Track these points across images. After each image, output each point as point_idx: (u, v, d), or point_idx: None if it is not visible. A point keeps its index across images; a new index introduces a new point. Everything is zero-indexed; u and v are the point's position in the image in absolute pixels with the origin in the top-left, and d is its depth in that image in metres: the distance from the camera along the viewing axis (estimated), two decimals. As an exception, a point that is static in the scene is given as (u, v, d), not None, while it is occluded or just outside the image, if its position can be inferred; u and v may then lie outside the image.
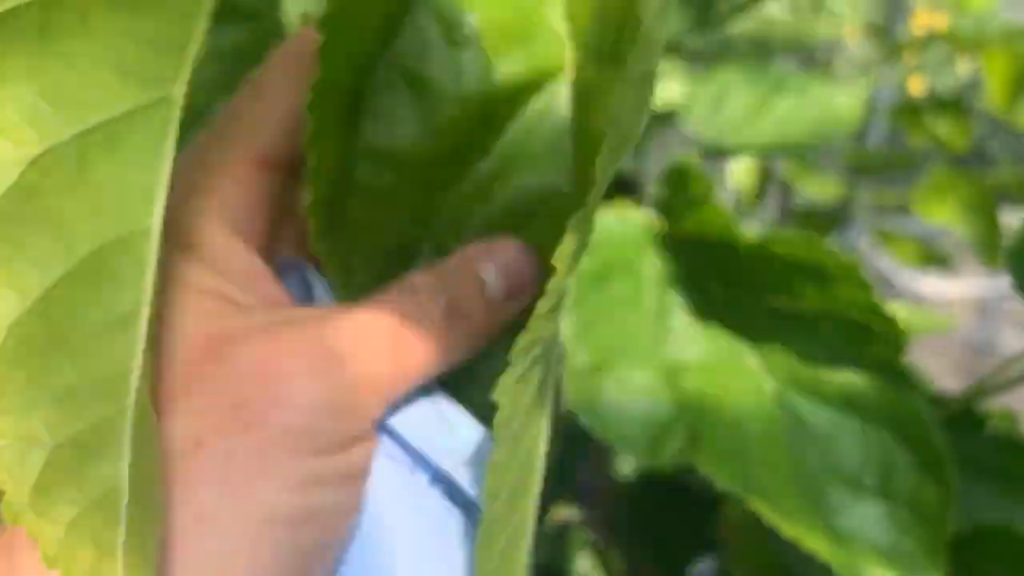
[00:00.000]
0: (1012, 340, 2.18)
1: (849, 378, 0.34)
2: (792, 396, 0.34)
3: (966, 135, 1.06)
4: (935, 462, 0.32)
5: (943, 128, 1.01)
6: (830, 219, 1.27)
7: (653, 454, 0.33)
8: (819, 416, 0.34)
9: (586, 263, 0.37)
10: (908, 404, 0.33)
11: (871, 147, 1.47)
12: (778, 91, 0.65)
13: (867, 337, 0.33)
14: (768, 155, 0.89)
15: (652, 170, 0.82)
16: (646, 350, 0.36)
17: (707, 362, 0.36)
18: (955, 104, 0.98)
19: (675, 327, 0.37)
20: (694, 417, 0.34)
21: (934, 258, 1.39)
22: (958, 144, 1.06)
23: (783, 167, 1.24)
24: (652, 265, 0.39)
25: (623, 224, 0.40)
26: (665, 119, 0.71)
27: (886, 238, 1.35)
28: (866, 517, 0.32)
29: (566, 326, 0.35)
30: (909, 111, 1.02)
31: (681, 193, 0.39)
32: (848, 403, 0.33)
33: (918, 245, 1.41)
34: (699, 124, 0.65)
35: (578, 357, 0.35)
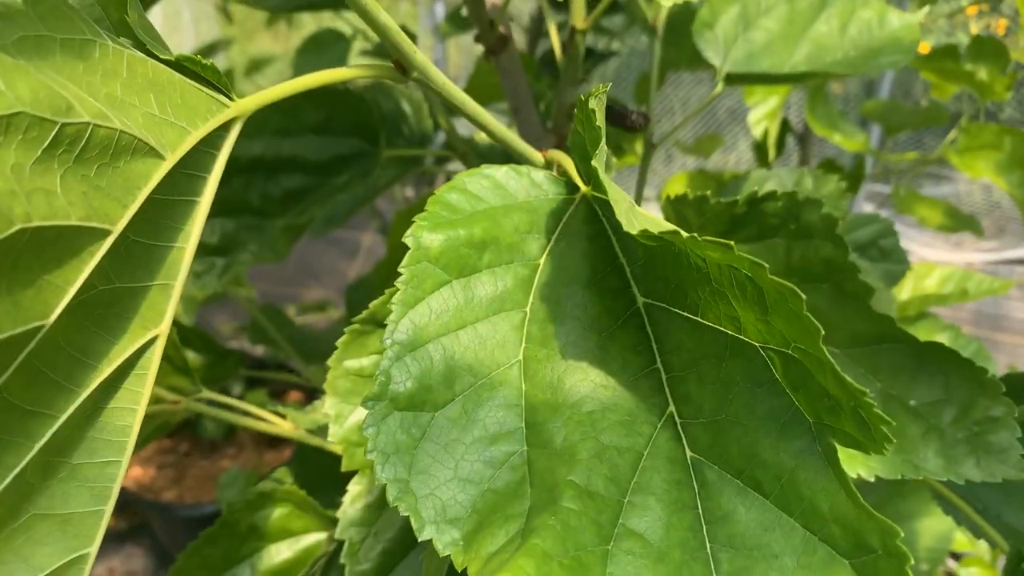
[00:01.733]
0: (1020, 310, 2.14)
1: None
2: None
3: (1009, 80, 0.97)
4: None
5: (983, 73, 0.92)
6: (853, 177, 1.18)
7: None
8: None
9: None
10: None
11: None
12: (820, 9, 0.54)
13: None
14: (805, 83, 0.78)
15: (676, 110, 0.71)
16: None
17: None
18: (998, 46, 0.88)
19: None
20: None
21: (962, 222, 1.30)
22: (999, 90, 0.97)
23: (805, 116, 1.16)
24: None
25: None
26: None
27: (911, 200, 1.27)
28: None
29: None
30: (945, 55, 0.92)
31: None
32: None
33: (946, 206, 1.32)
34: (720, 45, 0.54)
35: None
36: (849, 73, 0.51)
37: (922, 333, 0.97)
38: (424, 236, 0.28)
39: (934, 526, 0.97)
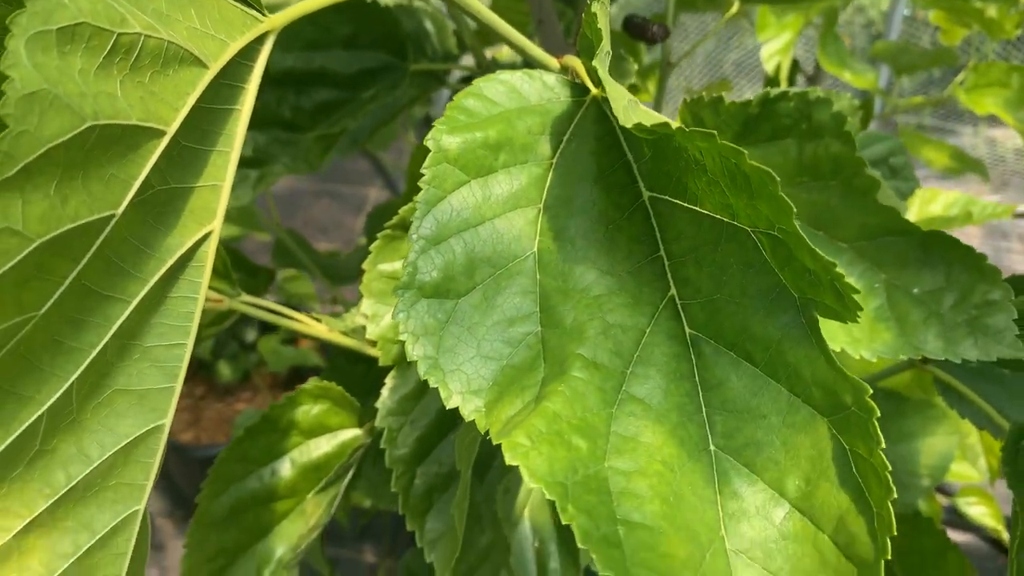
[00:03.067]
0: (1022, 263, 2.13)
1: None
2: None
3: (1019, 18, 0.96)
4: None
5: (992, 10, 0.91)
6: (862, 118, 1.17)
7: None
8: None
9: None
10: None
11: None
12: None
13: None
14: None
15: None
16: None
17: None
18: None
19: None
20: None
21: (968, 164, 1.30)
22: (1008, 28, 0.97)
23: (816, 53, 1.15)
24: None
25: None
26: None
27: (917, 141, 1.26)
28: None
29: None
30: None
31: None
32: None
33: (952, 149, 1.32)
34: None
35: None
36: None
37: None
38: (443, 139, 0.30)
39: (935, 445, 1.00)
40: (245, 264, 0.80)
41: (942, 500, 1.47)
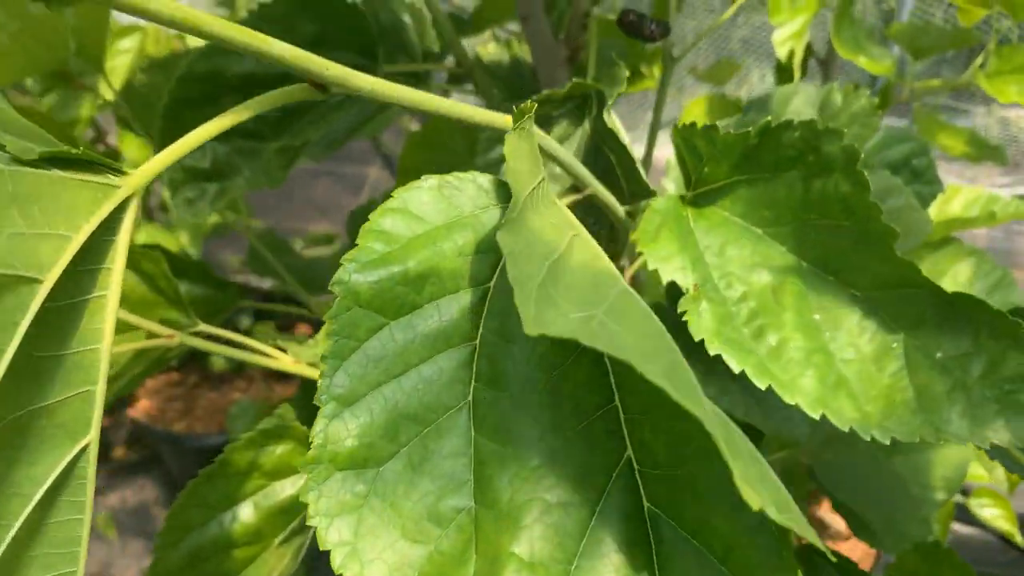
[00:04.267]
0: None
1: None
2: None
3: None
4: None
5: None
6: (878, 103, 1.09)
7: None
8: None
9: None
10: None
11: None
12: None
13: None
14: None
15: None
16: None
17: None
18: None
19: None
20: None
21: (986, 151, 1.23)
22: None
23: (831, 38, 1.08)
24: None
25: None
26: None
27: (934, 126, 1.18)
28: None
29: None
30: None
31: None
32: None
33: (969, 134, 1.25)
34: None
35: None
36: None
37: (946, 259, 0.91)
38: (353, 279, 0.25)
39: (950, 455, 0.94)
40: (211, 280, 0.75)
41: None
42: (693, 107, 1.10)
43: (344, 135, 0.70)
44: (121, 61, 0.97)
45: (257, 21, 0.59)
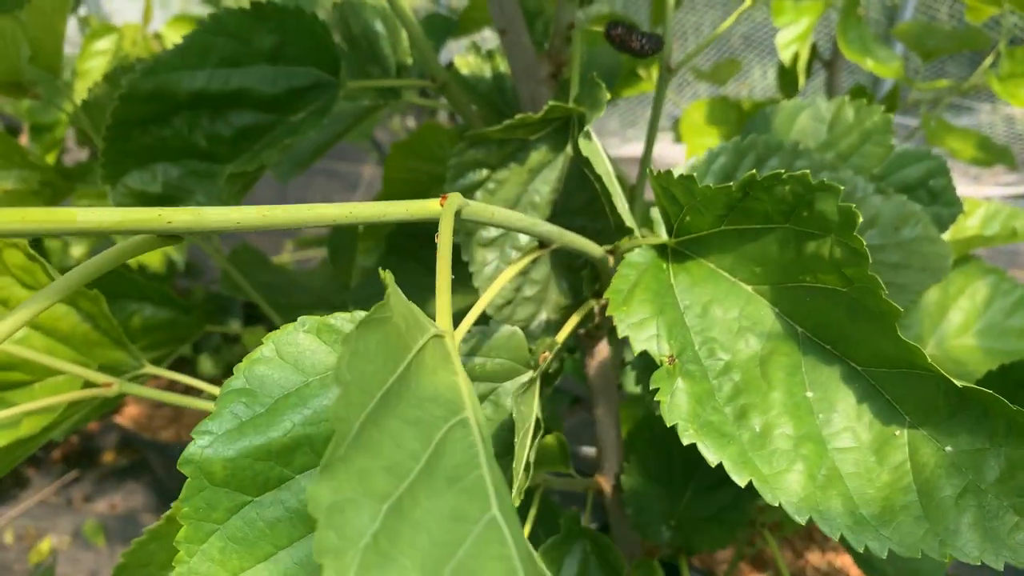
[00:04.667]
0: None
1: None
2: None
3: None
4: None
5: None
6: (886, 107, 1.03)
7: None
8: None
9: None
10: None
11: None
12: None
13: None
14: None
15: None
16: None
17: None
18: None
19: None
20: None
21: (996, 154, 1.16)
22: None
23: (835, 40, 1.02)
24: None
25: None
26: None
27: (942, 130, 1.12)
28: None
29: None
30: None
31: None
32: None
33: (978, 138, 1.18)
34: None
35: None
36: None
37: (964, 278, 0.85)
38: (205, 456, 0.20)
39: None
40: (175, 304, 0.71)
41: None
42: (693, 111, 1.04)
43: (311, 155, 0.65)
44: (96, 63, 0.92)
45: (210, 34, 0.55)
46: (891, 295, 0.52)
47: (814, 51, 1.13)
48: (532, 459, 0.53)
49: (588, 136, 0.48)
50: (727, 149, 0.54)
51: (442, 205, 0.30)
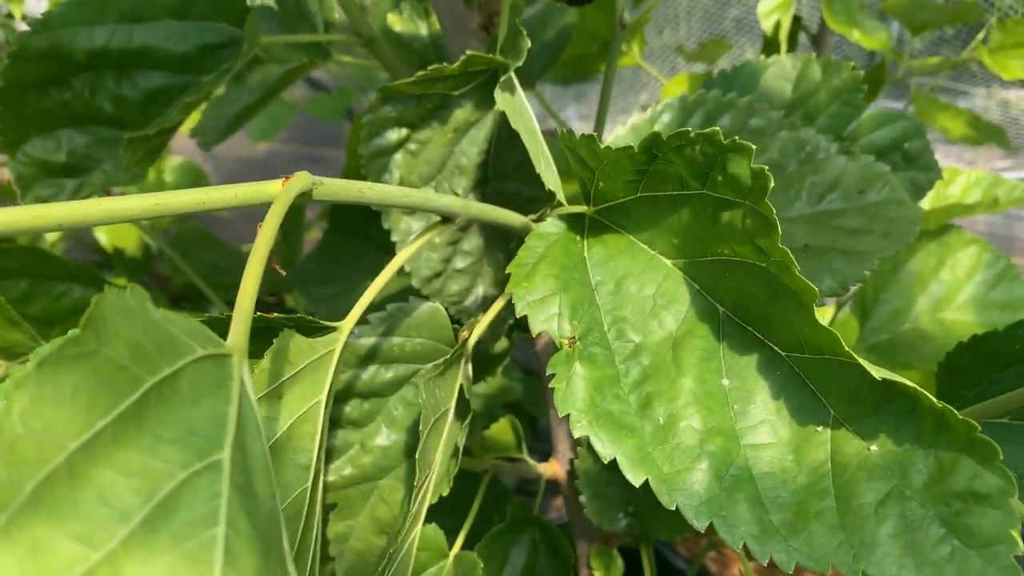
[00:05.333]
0: None
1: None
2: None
3: None
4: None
5: None
6: (873, 81, 0.98)
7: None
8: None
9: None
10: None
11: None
12: None
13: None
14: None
15: None
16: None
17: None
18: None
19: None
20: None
21: (988, 132, 1.11)
22: None
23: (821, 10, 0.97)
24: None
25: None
26: None
27: (932, 108, 1.06)
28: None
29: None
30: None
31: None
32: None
33: (969, 116, 1.12)
34: None
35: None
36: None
37: (945, 249, 0.80)
38: None
39: None
40: (103, 284, 0.66)
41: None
42: (674, 84, 0.99)
43: (235, 120, 0.61)
44: None
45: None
46: (848, 263, 0.48)
47: (799, 23, 1.08)
48: (461, 444, 0.49)
49: (508, 88, 0.43)
50: (672, 106, 0.50)
51: (284, 186, 0.26)
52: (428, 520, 0.58)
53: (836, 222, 0.49)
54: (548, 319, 0.34)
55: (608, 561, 0.68)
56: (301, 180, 0.26)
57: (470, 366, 0.49)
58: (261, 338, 0.34)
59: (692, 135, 0.30)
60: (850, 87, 0.61)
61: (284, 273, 0.32)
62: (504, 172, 0.51)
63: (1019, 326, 0.44)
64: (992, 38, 0.90)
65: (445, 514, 0.70)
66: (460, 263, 0.52)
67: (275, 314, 0.33)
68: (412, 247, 0.38)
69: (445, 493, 0.48)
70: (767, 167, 0.28)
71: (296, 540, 0.35)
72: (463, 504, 0.65)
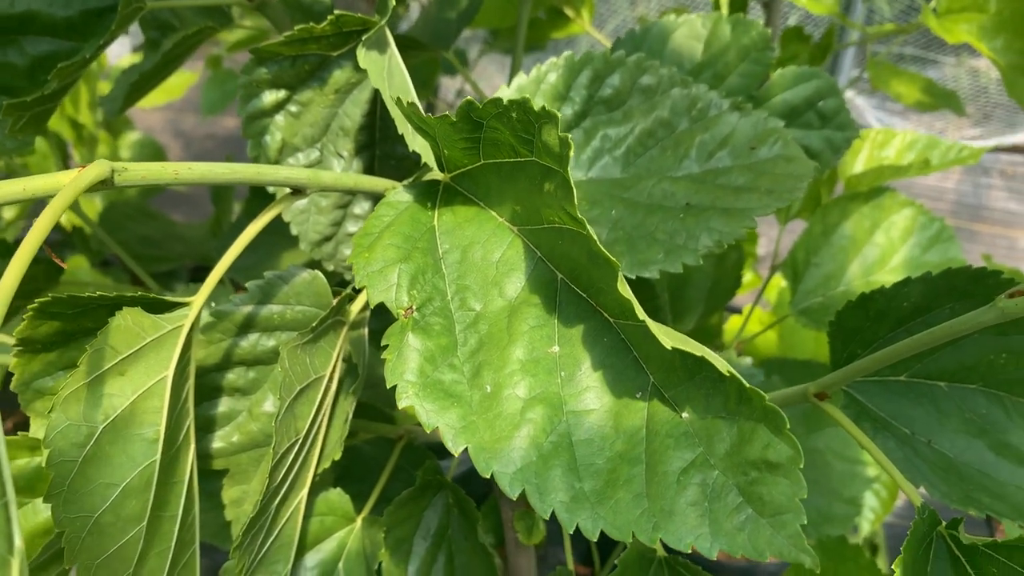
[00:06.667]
0: (1002, 200, 1.94)
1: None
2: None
3: None
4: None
5: None
6: (821, 47, 0.96)
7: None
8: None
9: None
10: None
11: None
12: None
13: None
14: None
15: None
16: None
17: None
18: None
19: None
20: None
21: (941, 98, 1.09)
22: None
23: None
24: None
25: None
26: None
27: (887, 73, 1.05)
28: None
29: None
30: None
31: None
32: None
33: (924, 82, 1.11)
34: None
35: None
36: None
37: (880, 211, 0.80)
38: None
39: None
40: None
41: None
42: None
43: (135, 87, 0.60)
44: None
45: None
46: (726, 221, 0.47)
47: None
48: (350, 410, 0.49)
49: (375, 46, 0.42)
50: (558, 65, 0.49)
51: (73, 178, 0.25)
52: (339, 486, 0.58)
53: (721, 180, 0.48)
54: (386, 289, 0.34)
55: (530, 523, 0.68)
56: (94, 170, 0.26)
57: (364, 332, 0.49)
58: (107, 317, 0.34)
59: (506, 103, 0.29)
60: (759, 45, 0.61)
61: (64, 266, 0.31)
62: (392, 135, 0.50)
63: (906, 283, 0.44)
64: (940, 3, 0.88)
65: (359, 478, 0.71)
66: (352, 227, 0.52)
67: (98, 292, 0.33)
68: (263, 218, 0.37)
69: (337, 458, 0.48)
70: (570, 136, 0.28)
71: (148, 508, 0.35)
72: (377, 469, 0.66)
